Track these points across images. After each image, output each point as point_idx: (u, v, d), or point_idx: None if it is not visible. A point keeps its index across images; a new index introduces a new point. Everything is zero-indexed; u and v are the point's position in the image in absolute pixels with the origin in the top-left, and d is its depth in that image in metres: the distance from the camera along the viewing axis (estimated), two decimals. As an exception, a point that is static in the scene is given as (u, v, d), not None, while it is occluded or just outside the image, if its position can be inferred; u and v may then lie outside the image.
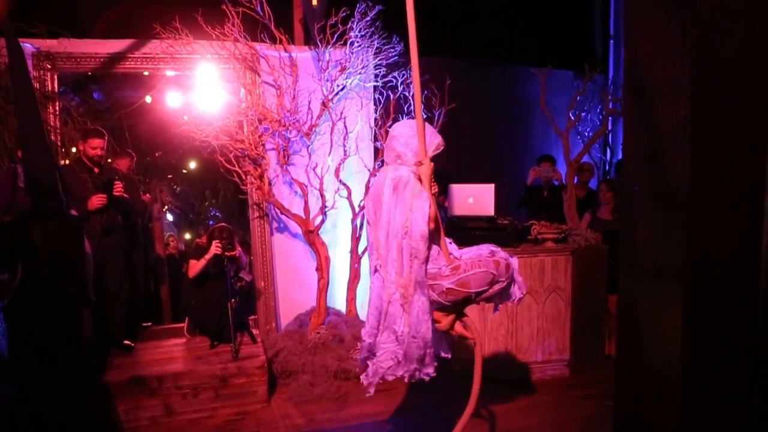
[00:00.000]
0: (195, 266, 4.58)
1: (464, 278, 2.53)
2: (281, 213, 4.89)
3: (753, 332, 1.73)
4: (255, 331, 4.71)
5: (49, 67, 4.50)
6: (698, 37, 1.70)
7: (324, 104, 4.82)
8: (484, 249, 2.63)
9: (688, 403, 1.77)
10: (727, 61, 1.74)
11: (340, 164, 4.88)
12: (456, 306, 2.66)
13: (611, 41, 7.30)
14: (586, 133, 6.44)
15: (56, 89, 4.56)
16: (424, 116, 5.18)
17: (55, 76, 4.55)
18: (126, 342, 4.38)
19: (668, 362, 1.79)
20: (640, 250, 1.93)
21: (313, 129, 4.86)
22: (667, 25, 1.83)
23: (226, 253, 4.51)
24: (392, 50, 4.90)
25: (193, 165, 8.28)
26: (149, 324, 5.25)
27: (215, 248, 4.50)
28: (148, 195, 5.78)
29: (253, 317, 5.04)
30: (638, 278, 1.92)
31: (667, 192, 1.79)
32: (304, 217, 4.84)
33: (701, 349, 1.75)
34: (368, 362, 2.58)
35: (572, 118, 5.71)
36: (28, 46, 4.33)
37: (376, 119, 5.06)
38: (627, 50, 2.13)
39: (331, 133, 4.87)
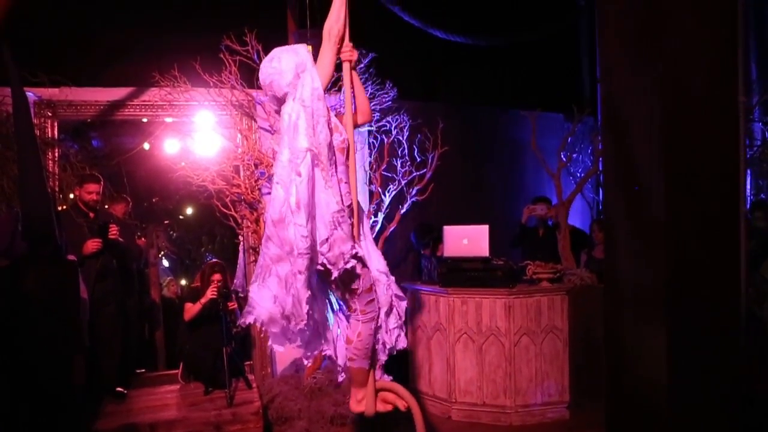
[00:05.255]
0: (191, 309, 4.55)
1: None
2: (277, 256, 4.90)
3: (735, 353, 1.75)
4: (250, 377, 4.65)
5: (49, 114, 4.58)
6: (666, 75, 1.78)
7: (319, 148, 4.89)
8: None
9: (673, 425, 1.77)
10: (693, 97, 1.83)
11: (335, 207, 4.91)
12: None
13: (599, 84, 7.48)
14: (578, 174, 6.53)
15: (56, 136, 4.63)
16: (418, 159, 5.27)
17: (56, 124, 4.64)
18: (118, 389, 4.31)
19: (653, 385, 1.80)
20: (622, 276, 1.97)
21: (309, 173, 4.91)
22: (637, 64, 1.92)
23: (225, 305, 4.50)
24: (386, 96, 5.01)
25: (189, 210, 8.31)
26: (143, 370, 5.17)
27: (211, 293, 4.48)
28: (143, 239, 5.79)
29: (249, 363, 4.97)
30: (621, 304, 1.95)
31: (645, 220, 1.84)
32: (299, 260, 4.84)
33: (685, 372, 1.76)
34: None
35: (563, 159, 5.81)
36: (30, 94, 4.42)
37: (370, 163, 5.13)
38: (603, 88, 2.23)
39: (326, 177, 4.92)
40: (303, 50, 2.39)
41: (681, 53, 1.83)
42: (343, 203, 2.30)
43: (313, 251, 2.18)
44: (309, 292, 2.17)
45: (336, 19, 2.38)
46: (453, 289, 4.54)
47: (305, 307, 2.16)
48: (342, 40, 2.44)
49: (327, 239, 2.21)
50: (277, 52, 2.42)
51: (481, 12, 7.03)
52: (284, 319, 2.19)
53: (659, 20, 1.79)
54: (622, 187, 1.98)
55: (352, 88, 2.52)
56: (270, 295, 2.20)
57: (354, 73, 2.53)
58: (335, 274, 2.26)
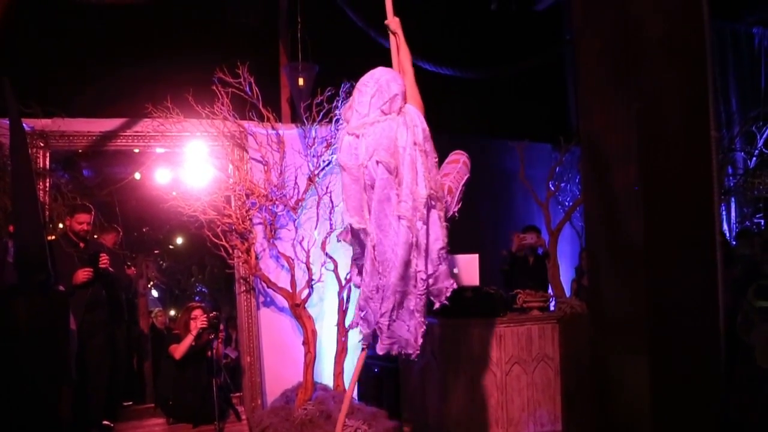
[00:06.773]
0: (180, 346, 4.51)
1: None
2: (268, 287, 4.89)
3: (717, 379, 1.78)
4: (240, 409, 4.59)
5: (42, 145, 4.60)
6: (642, 111, 1.87)
7: (310, 179, 4.94)
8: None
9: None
10: (668, 132, 1.91)
11: (326, 237, 4.93)
12: None
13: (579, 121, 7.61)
14: (567, 203, 6.60)
15: (47, 166, 4.64)
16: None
17: (47, 154, 4.65)
18: (105, 422, 4.25)
19: (638, 413, 1.81)
20: (605, 304, 2.01)
21: (300, 203, 4.95)
22: (615, 101, 2.00)
23: (217, 334, 4.49)
24: (376, 126, 5.08)
25: (180, 240, 8.29)
26: (130, 403, 5.09)
27: (201, 323, 4.46)
28: (133, 269, 5.76)
29: (238, 394, 4.92)
30: (605, 332, 1.99)
31: (625, 249, 1.90)
32: (290, 290, 4.83)
33: (669, 399, 1.78)
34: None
35: (552, 188, 5.88)
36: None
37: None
38: (582, 123, 2.32)
39: (317, 207, 4.95)
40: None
41: (656, 92, 1.92)
42: (446, 240, 2.48)
43: (428, 290, 2.42)
44: (424, 328, 2.42)
45: (409, 57, 2.66)
46: (444, 319, 4.53)
47: (420, 341, 2.41)
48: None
49: (432, 274, 2.40)
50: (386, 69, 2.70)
51: (469, 44, 7.19)
52: (416, 342, 2.42)
53: (635, 62, 1.89)
54: (602, 216, 2.05)
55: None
56: (405, 326, 2.41)
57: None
58: (437, 305, 2.50)
